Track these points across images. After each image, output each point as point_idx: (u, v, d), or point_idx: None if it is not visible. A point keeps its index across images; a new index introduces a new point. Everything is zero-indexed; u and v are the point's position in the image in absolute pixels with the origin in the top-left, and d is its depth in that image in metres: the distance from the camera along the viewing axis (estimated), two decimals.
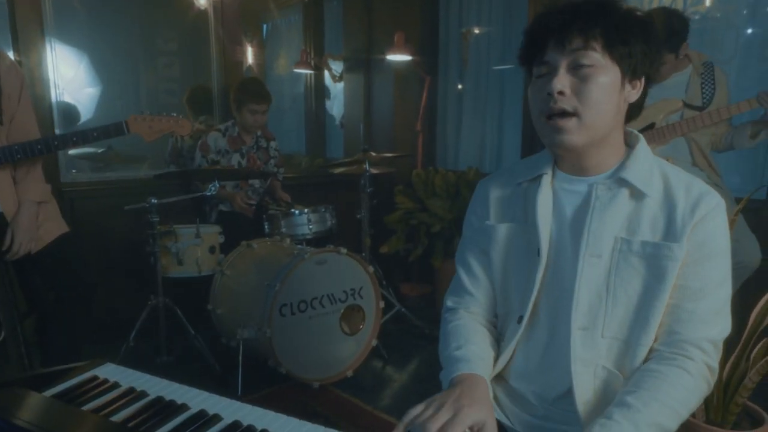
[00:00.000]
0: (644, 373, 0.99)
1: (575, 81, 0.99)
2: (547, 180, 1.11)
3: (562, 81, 0.99)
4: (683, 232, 1.01)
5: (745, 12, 2.74)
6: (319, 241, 3.12)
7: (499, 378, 1.17)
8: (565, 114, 0.99)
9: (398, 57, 3.76)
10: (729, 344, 1.44)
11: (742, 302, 2.41)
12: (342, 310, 2.64)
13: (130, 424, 0.89)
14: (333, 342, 2.62)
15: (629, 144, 1.11)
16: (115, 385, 1.05)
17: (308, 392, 2.52)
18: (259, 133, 3.36)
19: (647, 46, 1.02)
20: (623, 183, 1.05)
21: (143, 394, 1.01)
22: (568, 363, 1.03)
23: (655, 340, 1.03)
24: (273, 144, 3.45)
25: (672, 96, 2.52)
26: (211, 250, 2.82)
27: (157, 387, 1.05)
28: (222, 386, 2.53)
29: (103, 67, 5.95)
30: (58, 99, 3.53)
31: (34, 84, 3.01)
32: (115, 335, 2.68)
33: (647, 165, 1.06)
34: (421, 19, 4.09)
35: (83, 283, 2.08)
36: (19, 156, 1.89)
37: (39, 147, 1.90)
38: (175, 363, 2.70)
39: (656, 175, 1.06)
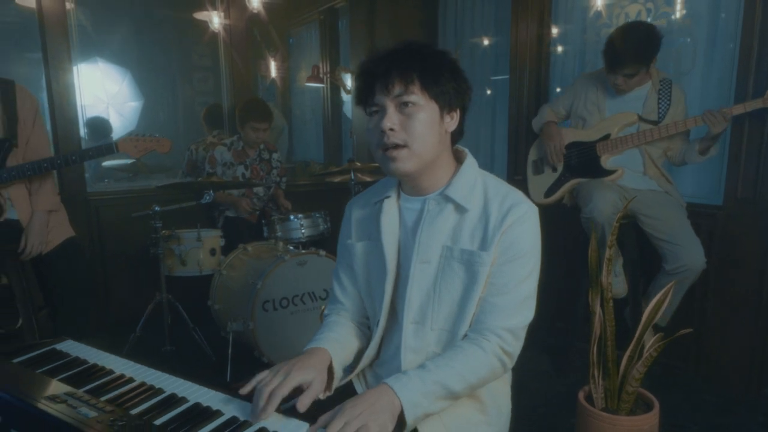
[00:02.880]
0: (450, 349, 1.22)
1: (402, 117, 1.20)
2: (389, 202, 1.33)
3: (392, 119, 1.19)
4: (492, 241, 1.21)
5: (705, 25, 2.86)
6: (314, 243, 3.41)
7: (371, 369, 1.40)
8: (397, 146, 1.21)
9: None
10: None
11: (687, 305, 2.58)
12: (322, 307, 2.90)
13: (58, 377, 1.20)
14: (314, 335, 2.88)
15: (460, 160, 1.32)
16: (65, 355, 1.36)
17: None
18: (262, 146, 3.68)
19: (456, 83, 1.23)
20: (449, 199, 1.26)
21: (66, 355, 1.32)
22: (400, 351, 1.27)
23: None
24: (275, 155, 3.77)
25: (630, 109, 2.69)
26: (212, 252, 3.14)
27: (90, 355, 1.35)
28: (216, 373, 2.85)
29: (144, 83, 6.45)
30: (85, 116, 3.90)
31: (62, 104, 3.40)
32: (125, 326, 3.05)
33: (470, 182, 1.27)
34: (420, 35, 4.33)
35: (84, 279, 2.43)
36: (29, 173, 2.25)
37: (45, 165, 2.26)
38: (177, 352, 3.04)
39: (478, 190, 1.26)
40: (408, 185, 1.32)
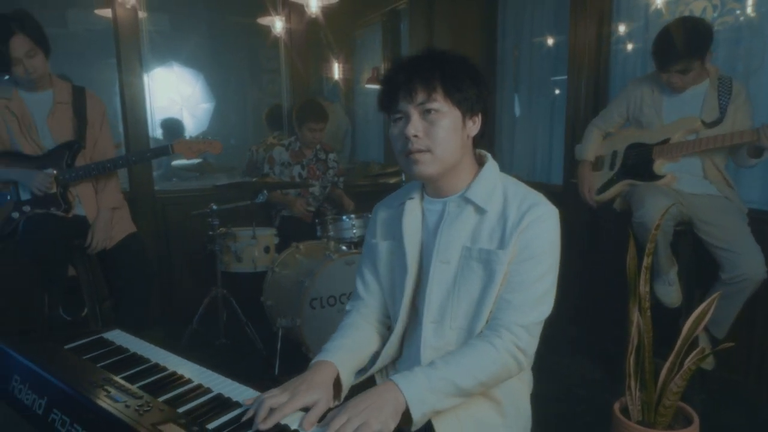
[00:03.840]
0: (462, 346, 1.23)
1: (426, 124, 1.23)
2: (412, 203, 1.37)
3: (416, 126, 1.23)
4: (510, 240, 1.23)
5: None
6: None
7: (392, 366, 1.43)
8: (420, 150, 1.24)
9: None
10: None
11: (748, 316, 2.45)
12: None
13: (100, 364, 1.30)
14: None
15: (481, 163, 1.35)
16: (110, 343, 1.47)
17: None
18: (318, 146, 3.77)
19: (478, 89, 1.26)
20: (468, 201, 1.29)
21: (111, 344, 1.43)
22: (420, 350, 1.29)
23: None
24: (332, 156, 3.85)
25: (688, 108, 2.59)
26: (266, 249, 3.26)
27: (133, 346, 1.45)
28: (266, 367, 2.95)
29: (216, 85, 6.72)
30: (154, 117, 4.11)
31: (133, 107, 3.61)
32: (184, 319, 3.21)
33: (490, 184, 1.30)
34: (479, 35, 4.31)
35: (144, 273, 2.59)
36: (95, 172, 2.42)
37: (109, 165, 2.43)
38: (230, 345, 3.17)
39: (497, 192, 1.29)
40: (430, 187, 1.36)
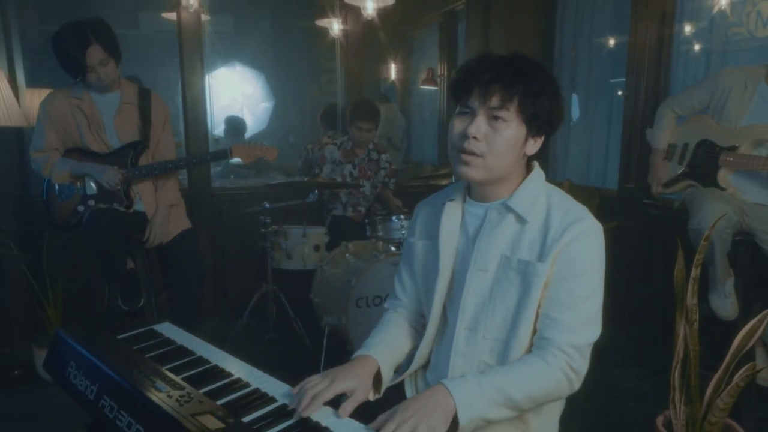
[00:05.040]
0: (515, 360, 1.22)
1: (489, 129, 1.21)
2: (453, 205, 1.36)
3: (479, 128, 1.21)
4: (550, 253, 1.21)
5: None
6: None
7: (423, 371, 1.44)
8: (473, 153, 1.22)
9: None
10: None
11: None
12: None
13: (148, 355, 1.38)
14: None
15: (528, 171, 1.32)
16: (159, 335, 1.55)
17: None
18: (371, 146, 3.81)
19: (552, 110, 1.23)
20: (510, 209, 1.27)
21: (160, 336, 1.50)
22: (450, 356, 1.30)
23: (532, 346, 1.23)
24: (384, 156, 3.89)
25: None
26: (316, 247, 3.33)
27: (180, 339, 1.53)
28: (312, 363, 3.02)
29: (276, 85, 6.88)
30: (213, 116, 4.25)
31: (194, 107, 3.75)
32: (235, 313, 3.32)
33: (534, 193, 1.27)
34: (537, 36, 4.25)
35: (196, 268, 2.70)
36: (157, 172, 2.55)
37: (171, 166, 2.56)
38: (279, 340, 3.26)
39: (541, 202, 1.26)
40: (474, 190, 1.35)
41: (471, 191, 1.37)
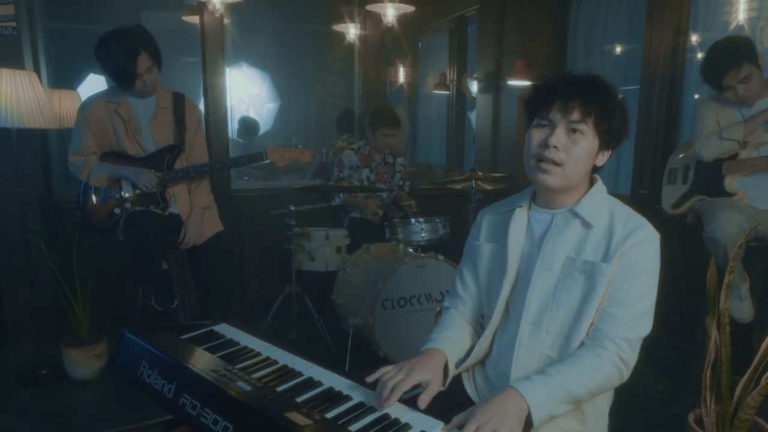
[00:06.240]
0: (567, 357, 1.33)
1: (568, 141, 1.34)
2: (520, 211, 1.47)
3: (560, 139, 1.33)
4: (614, 255, 1.32)
5: None
6: (432, 247, 3.56)
7: (481, 367, 1.53)
8: (553, 162, 1.34)
9: (518, 82, 4.06)
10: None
11: None
12: (437, 308, 3.05)
13: (217, 354, 1.44)
14: (427, 334, 3.04)
15: (591, 183, 1.44)
16: (221, 336, 1.61)
17: None
18: (386, 150, 3.89)
19: (621, 129, 1.37)
20: (576, 215, 1.39)
21: (222, 336, 1.57)
22: (514, 348, 1.39)
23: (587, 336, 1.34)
24: (399, 160, 3.96)
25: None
26: (338, 250, 3.40)
27: (239, 338, 1.59)
28: (335, 363, 3.08)
29: (281, 86, 6.91)
30: (233, 118, 4.29)
31: (215, 108, 3.81)
32: (258, 314, 3.38)
33: (598, 202, 1.39)
34: (550, 43, 4.33)
35: (229, 269, 2.76)
36: (192, 175, 2.61)
37: (205, 168, 2.62)
38: (302, 340, 3.33)
39: (604, 210, 1.38)
40: (542, 197, 1.46)
41: (537, 199, 1.48)
